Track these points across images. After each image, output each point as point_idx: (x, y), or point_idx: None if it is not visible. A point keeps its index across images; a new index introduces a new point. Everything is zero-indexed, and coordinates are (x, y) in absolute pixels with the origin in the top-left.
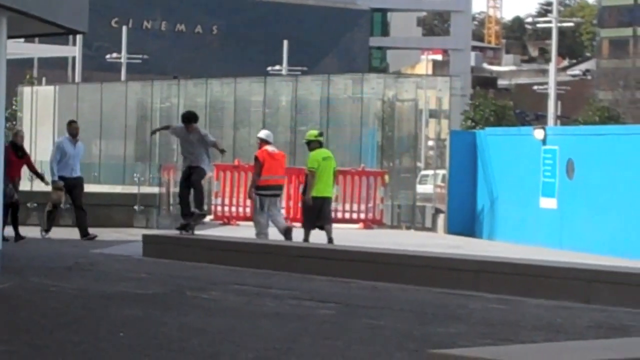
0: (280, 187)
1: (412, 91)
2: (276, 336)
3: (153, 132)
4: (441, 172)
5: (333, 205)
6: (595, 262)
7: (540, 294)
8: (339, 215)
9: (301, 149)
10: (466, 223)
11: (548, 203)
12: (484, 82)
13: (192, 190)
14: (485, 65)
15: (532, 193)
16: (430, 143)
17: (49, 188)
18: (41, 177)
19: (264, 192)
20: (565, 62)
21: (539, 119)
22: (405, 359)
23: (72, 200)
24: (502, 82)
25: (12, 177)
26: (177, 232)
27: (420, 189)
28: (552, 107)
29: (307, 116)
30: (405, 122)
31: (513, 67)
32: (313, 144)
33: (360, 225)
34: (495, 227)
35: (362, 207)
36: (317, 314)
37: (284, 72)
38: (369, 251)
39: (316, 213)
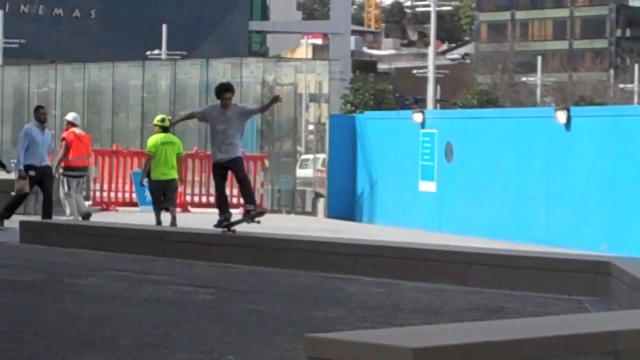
0: (85, 169)
1: (291, 75)
2: (155, 322)
3: (173, 124)
4: (321, 156)
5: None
6: (473, 245)
7: (419, 277)
8: None
9: (181, 134)
10: (346, 207)
11: (427, 186)
12: (363, 66)
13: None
14: (365, 49)
15: (411, 176)
16: (311, 127)
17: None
18: (2, 165)
19: (71, 173)
20: (445, 46)
21: (418, 103)
22: (284, 343)
23: (42, 190)
24: (381, 66)
25: None
26: (219, 230)
27: (301, 173)
28: (431, 91)
29: (186, 101)
30: (285, 106)
31: (393, 51)
32: (156, 129)
33: (241, 210)
34: (375, 211)
35: None
36: (196, 300)
37: (163, 56)
38: (248, 236)
39: (161, 195)
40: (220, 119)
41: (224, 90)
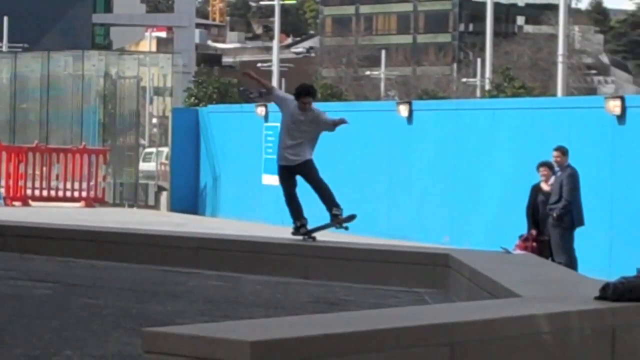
0: None
1: (134, 68)
2: None
3: (253, 78)
4: (165, 149)
5: (54, 183)
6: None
7: (260, 270)
8: (60, 193)
9: (21, 127)
10: (189, 200)
11: (270, 180)
12: (208, 60)
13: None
14: (210, 43)
15: (255, 170)
16: (154, 121)
17: None
18: None
19: None
20: (290, 40)
21: (263, 97)
22: (122, 338)
23: None
24: (226, 60)
25: None
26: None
27: (144, 166)
28: (275, 84)
29: (27, 94)
30: (128, 99)
31: (237, 45)
32: None
33: (82, 203)
34: (219, 204)
35: (84, 185)
36: (34, 294)
37: (4, 48)
38: (88, 229)
39: None
40: (295, 119)
41: (305, 94)
